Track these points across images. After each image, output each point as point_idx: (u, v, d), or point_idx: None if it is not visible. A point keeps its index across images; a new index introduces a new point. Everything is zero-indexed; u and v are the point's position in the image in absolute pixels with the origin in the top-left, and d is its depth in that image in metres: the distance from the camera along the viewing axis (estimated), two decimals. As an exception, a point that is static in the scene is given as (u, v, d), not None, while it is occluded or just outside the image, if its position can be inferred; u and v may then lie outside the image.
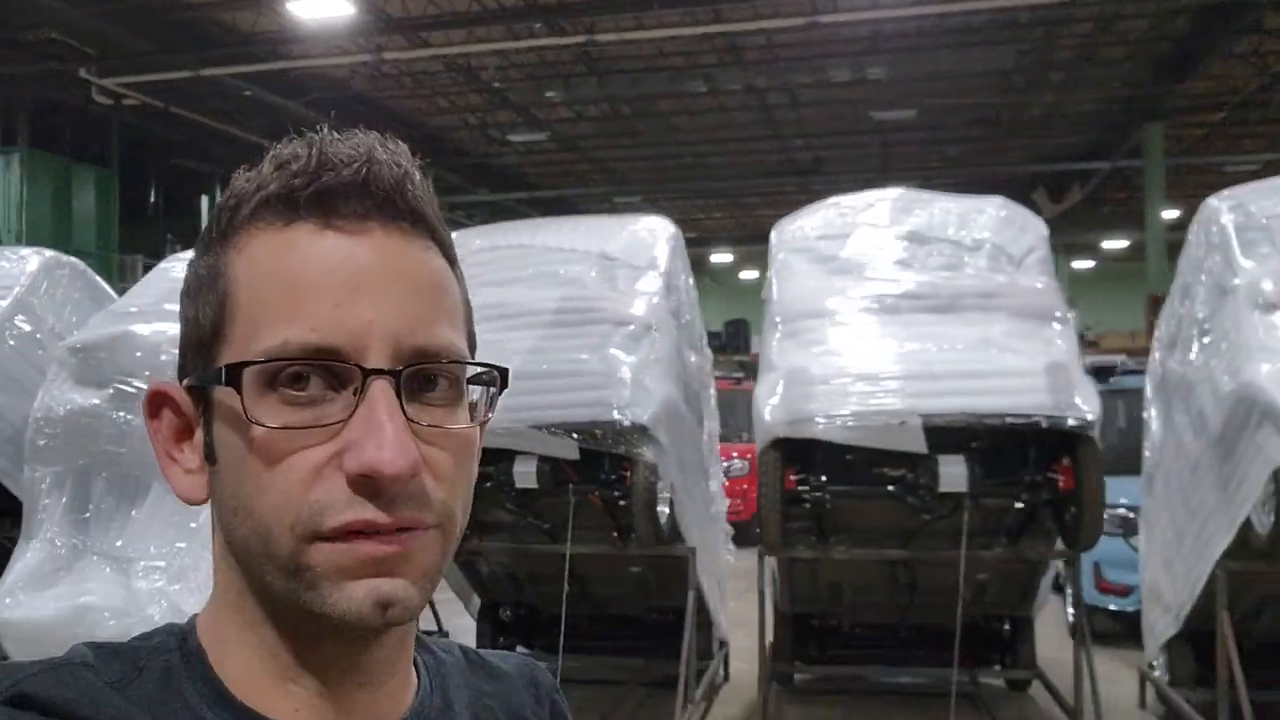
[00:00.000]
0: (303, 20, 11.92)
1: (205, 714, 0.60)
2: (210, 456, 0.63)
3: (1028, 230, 4.83)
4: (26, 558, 4.74)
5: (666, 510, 4.65)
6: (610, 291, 4.79)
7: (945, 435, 4.19)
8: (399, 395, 0.59)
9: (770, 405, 4.28)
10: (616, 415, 4.35)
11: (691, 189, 22.44)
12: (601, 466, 4.63)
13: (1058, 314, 4.49)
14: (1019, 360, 4.22)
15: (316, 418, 0.59)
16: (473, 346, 0.68)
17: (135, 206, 17.44)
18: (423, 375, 0.62)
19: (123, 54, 13.61)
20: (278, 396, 0.60)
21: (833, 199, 5.16)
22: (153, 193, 18.19)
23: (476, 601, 6.05)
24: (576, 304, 4.83)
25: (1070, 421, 4.07)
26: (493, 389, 0.67)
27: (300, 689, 0.63)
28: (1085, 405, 4.13)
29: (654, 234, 5.07)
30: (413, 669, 0.70)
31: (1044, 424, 4.08)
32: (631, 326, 4.63)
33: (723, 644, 5.96)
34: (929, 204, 4.95)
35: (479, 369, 0.65)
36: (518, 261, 5.04)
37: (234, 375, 0.60)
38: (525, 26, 13.49)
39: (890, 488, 4.49)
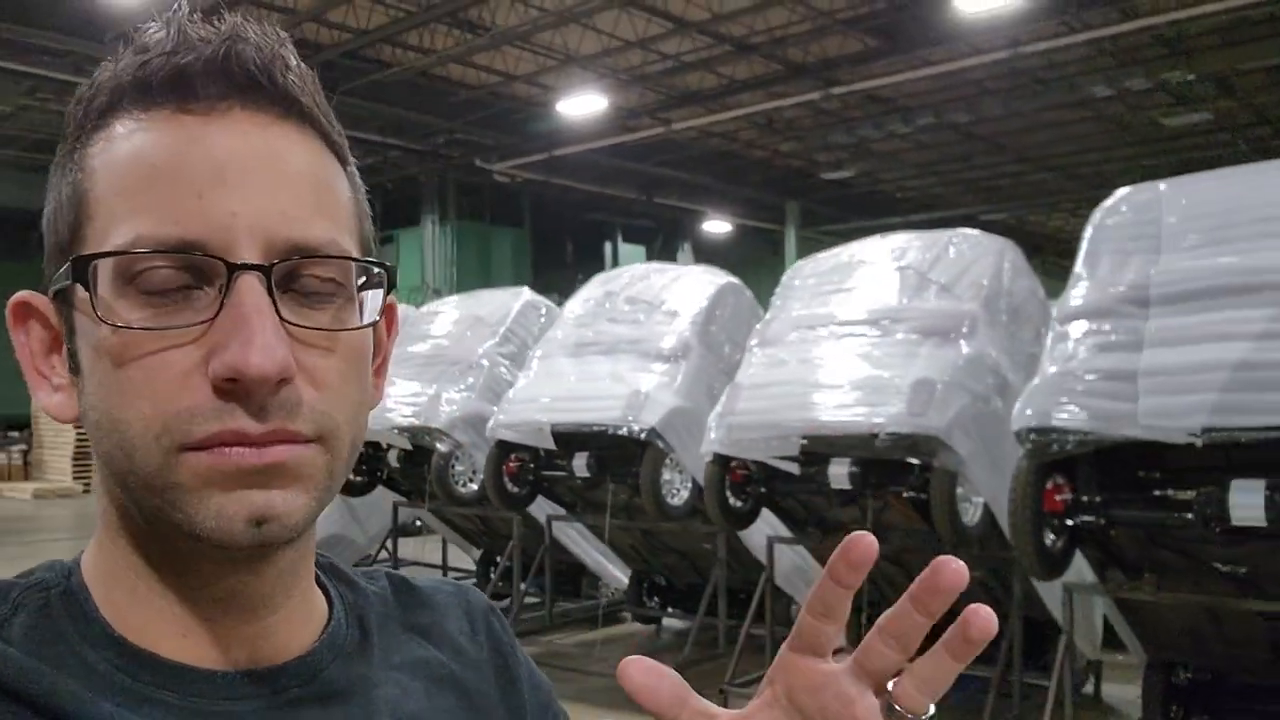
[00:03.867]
0: (567, 115, 15.35)
1: (87, 654, 0.56)
2: (75, 366, 0.58)
3: (695, 291, 6.52)
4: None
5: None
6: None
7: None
8: (270, 293, 0.54)
9: (492, 420, 6.61)
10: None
11: (1072, 199, 22.23)
12: None
13: (678, 353, 6.24)
14: (617, 386, 6.10)
15: (180, 317, 0.54)
16: (365, 250, 0.61)
17: (553, 256, 22.12)
18: (301, 274, 0.56)
19: (502, 146, 18.04)
20: (137, 294, 0.54)
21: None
22: (568, 243, 22.79)
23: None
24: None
25: (627, 430, 5.91)
26: (380, 293, 0.61)
27: (185, 615, 0.58)
28: (647, 417, 5.92)
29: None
30: (320, 596, 0.66)
31: (610, 431, 5.97)
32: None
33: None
34: (648, 277, 6.87)
35: (366, 269, 0.59)
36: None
37: (83, 270, 0.54)
38: (783, 88, 15.64)
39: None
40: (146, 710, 0.56)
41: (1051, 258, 23.67)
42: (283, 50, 0.59)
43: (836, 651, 0.55)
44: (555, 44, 14.56)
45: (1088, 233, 4.31)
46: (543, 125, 16.93)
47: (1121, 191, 4.41)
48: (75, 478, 17.20)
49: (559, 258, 22.50)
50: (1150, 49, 14.48)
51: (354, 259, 0.59)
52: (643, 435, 5.96)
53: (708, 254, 24.46)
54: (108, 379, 0.55)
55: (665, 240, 23.73)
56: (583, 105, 15.08)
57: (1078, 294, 4.10)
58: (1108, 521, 3.92)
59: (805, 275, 5.89)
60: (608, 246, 22.85)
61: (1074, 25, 13.42)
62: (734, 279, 6.77)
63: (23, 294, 0.60)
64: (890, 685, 0.53)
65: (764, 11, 13.61)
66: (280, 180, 0.57)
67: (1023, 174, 21.55)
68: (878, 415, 4.77)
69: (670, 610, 7.85)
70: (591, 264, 22.75)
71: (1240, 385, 3.40)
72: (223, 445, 0.53)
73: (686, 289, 6.65)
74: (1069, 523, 3.95)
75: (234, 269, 0.54)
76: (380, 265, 0.60)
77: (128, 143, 0.57)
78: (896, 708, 0.53)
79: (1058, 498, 3.94)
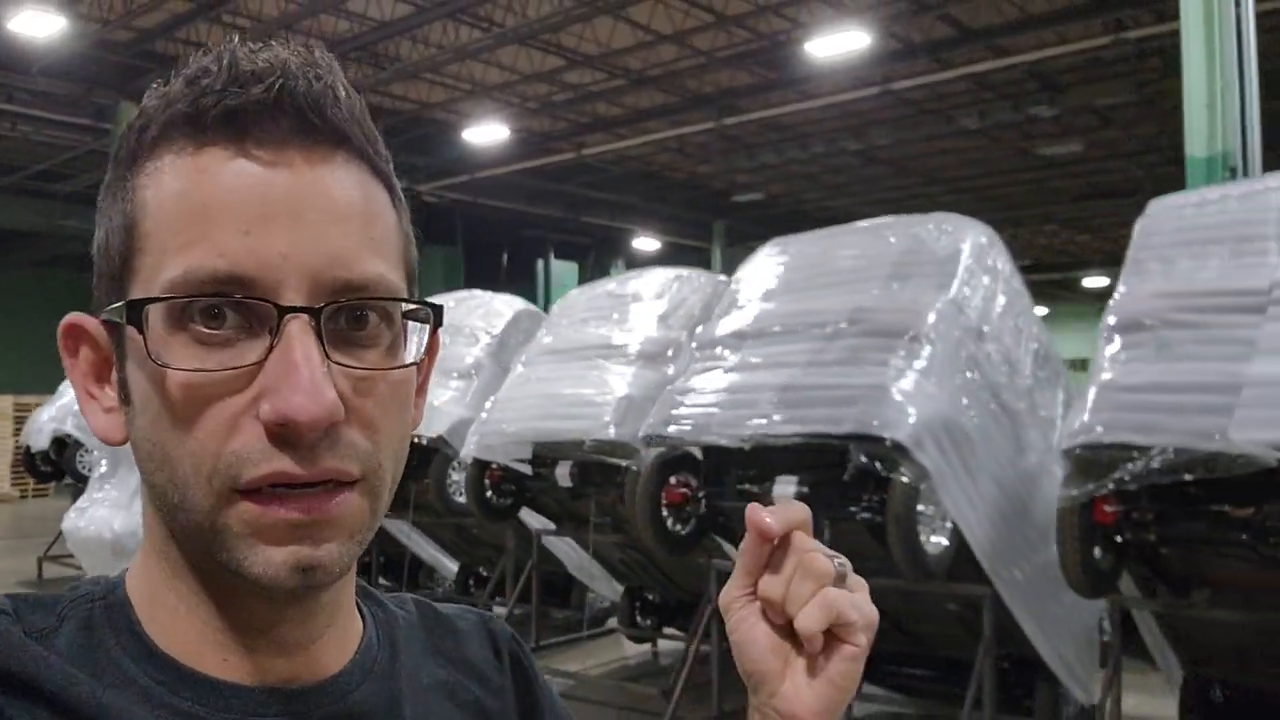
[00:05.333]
0: (475, 143, 16.31)
1: (127, 666, 0.58)
2: (125, 396, 0.59)
3: (495, 316, 7.46)
4: (83, 497, 9.34)
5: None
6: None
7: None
8: (319, 335, 0.55)
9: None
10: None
11: (987, 220, 23.24)
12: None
13: (472, 371, 7.17)
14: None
15: (230, 360, 0.55)
16: (410, 278, 0.63)
17: (487, 273, 22.98)
18: (349, 312, 0.58)
19: (428, 168, 18.96)
20: (188, 335, 0.56)
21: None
22: (502, 260, 23.70)
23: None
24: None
25: (417, 438, 6.83)
26: (426, 327, 0.62)
27: (227, 639, 0.60)
28: (436, 426, 6.84)
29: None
30: (358, 619, 0.68)
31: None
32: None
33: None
34: (459, 304, 7.81)
35: (412, 306, 0.61)
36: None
37: (136, 313, 0.56)
38: (684, 116, 16.61)
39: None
40: None
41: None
42: (332, 82, 0.59)
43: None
44: (463, 74, 15.50)
45: (737, 277, 5.25)
46: (462, 149, 17.86)
47: (771, 243, 5.36)
48: (13, 484, 18.03)
49: (493, 275, 23.35)
50: (1025, 84, 15.47)
51: (400, 299, 0.60)
52: (428, 442, 6.88)
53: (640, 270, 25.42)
54: (159, 416, 0.56)
55: (597, 257, 24.66)
56: (488, 133, 16.04)
57: (714, 327, 5.04)
58: (715, 510, 4.80)
59: (569, 305, 6.83)
60: (540, 264, 23.74)
61: (945, 62, 14.43)
62: (531, 306, 7.69)
63: (73, 316, 0.62)
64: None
65: (654, 48, 14.56)
66: (329, 218, 0.57)
67: (935, 195, 22.50)
68: (587, 426, 5.70)
69: (497, 599, 8.75)
70: (524, 281, 23.68)
71: (783, 403, 4.34)
72: (271, 493, 0.55)
73: (488, 314, 7.58)
74: (688, 512, 4.82)
75: (284, 312, 0.55)
76: (425, 304, 0.61)
77: (178, 177, 0.57)
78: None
79: (679, 490, 4.77)
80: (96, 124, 15.06)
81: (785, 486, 4.33)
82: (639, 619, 7.30)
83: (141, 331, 0.56)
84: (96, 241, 0.61)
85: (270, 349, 0.55)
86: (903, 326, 4.33)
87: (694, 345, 5.10)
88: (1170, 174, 20.24)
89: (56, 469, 10.55)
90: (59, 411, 10.14)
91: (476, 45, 13.75)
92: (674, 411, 4.70)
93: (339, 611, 0.65)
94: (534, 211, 21.34)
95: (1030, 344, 4.80)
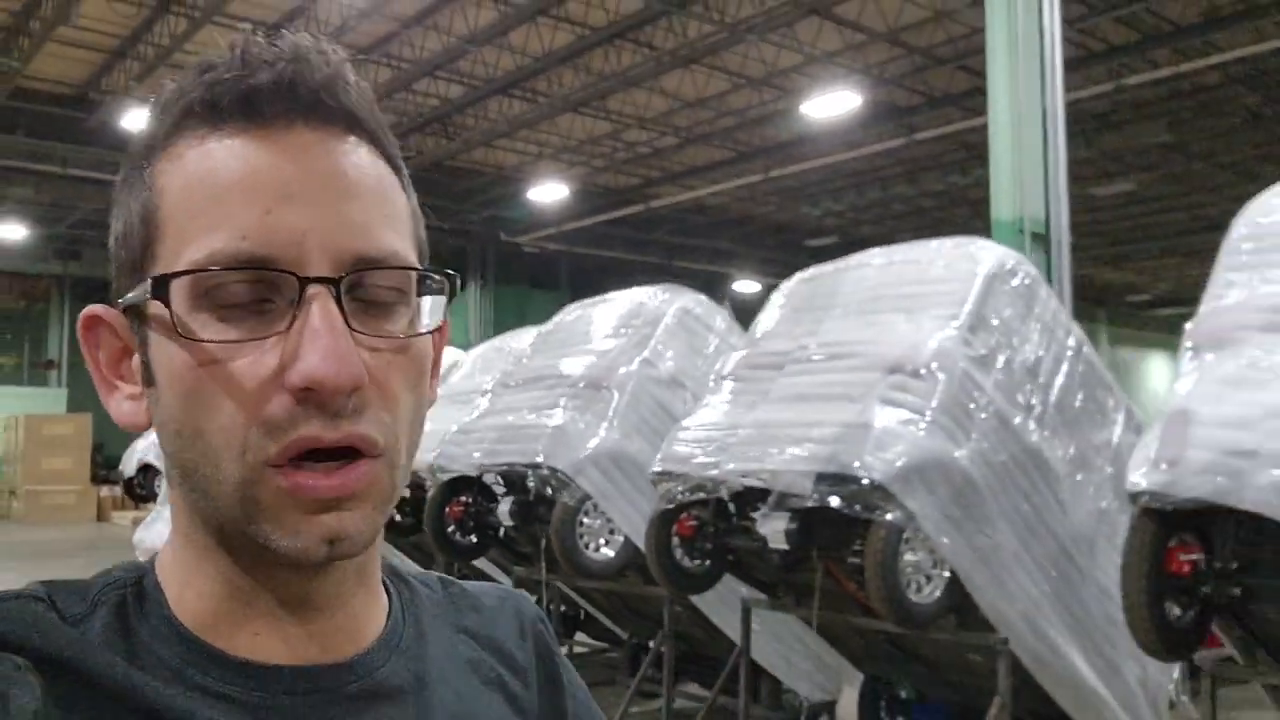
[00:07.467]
0: (543, 200, 17.86)
1: (159, 649, 0.60)
2: (149, 378, 0.61)
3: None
4: (150, 514, 11.25)
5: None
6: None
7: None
8: (340, 304, 0.57)
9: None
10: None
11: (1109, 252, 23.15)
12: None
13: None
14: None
15: (256, 330, 0.57)
16: (422, 255, 0.65)
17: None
18: (367, 284, 0.60)
19: (524, 221, 20.70)
20: (211, 314, 0.57)
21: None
22: (609, 302, 25.21)
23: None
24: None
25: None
26: (442, 298, 0.64)
27: (256, 614, 0.62)
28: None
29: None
30: (384, 597, 0.70)
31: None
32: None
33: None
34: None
35: (429, 277, 0.63)
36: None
37: (161, 288, 0.57)
38: (740, 168, 17.69)
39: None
40: (212, 703, 0.59)
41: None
42: (341, 68, 0.62)
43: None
44: (531, 139, 17.14)
45: (533, 333, 6.45)
46: (537, 205, 19.47)
47: (569, 306, 6.54)
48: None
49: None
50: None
51: (417, 269, 0.62)
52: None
53: (747, 313, 26.20)
54: (188, 392, 0.58)
55: (700, 299, 25.79)
56: (555, 191, 17.64)
57: (500, 376, 6.25)
58: (486, 525, 5.91)
59: (482, 355, 8.14)
60: (644, 305, 25.07)
61: (972, 110, 14.97)
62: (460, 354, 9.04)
63: (92, 308, 0.63)
64: None
65: (694, 109, 15.75)
66: (345, 195, 0.59)
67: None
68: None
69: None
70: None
71: (501, 439, 5.52)
72: (300, 459, 0.57)
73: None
74: (468, 525, 5.93)
75: (305, 282, 0.57)
76: (441, 272, 0.63)
77: (196, 162, 0.59)
78: None
79: (458, 508, 5.84)
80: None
81: (504, 505, 5.50)
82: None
83: (168, 305, 0.57)
84: (114, 234, 0.63)
85: (293, 318, 0.57)
86: (598, 379, 5.43)
87: (486, 389, 6.31)
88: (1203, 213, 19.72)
89: (150, 492, 12.62)
90: (146, 443, 12.17)
91: (531, 115, 15.31)
92: (450, 443, 5.93)
93: (364, 581, 0.66)
94: (631, 259, 22.71)
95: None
